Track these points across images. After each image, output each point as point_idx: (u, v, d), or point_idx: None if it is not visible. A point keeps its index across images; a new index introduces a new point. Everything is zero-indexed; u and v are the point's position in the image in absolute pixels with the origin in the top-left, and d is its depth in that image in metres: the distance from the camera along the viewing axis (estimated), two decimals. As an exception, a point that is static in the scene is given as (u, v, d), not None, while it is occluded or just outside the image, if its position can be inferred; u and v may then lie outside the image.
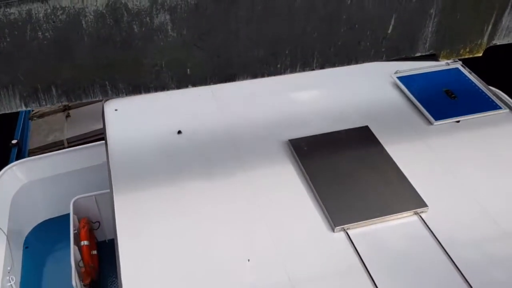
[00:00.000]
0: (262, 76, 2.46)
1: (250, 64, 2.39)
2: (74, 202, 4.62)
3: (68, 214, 4.54)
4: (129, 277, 2.81)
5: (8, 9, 1.93)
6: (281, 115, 3.95)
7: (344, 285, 2.78)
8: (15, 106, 2.23)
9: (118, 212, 3.17)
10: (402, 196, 3.20)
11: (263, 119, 3.92)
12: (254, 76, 2.45)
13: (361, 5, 2.35)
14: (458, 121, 3.85)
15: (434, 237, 3.02)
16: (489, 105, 4.01)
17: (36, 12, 1.97)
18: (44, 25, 2.01)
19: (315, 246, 2.97)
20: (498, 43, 2.76)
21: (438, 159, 3.55)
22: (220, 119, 3.86)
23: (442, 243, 2.97)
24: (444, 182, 3.38)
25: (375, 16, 2.41)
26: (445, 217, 3.13)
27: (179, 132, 3.77)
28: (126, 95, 2.36)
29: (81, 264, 4.40)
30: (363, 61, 2.60)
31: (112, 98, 2.35)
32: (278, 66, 2.45)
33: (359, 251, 2.93)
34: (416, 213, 3.14)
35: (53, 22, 2.01)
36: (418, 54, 2.66)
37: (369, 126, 3.74)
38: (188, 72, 2.34)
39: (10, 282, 4.23)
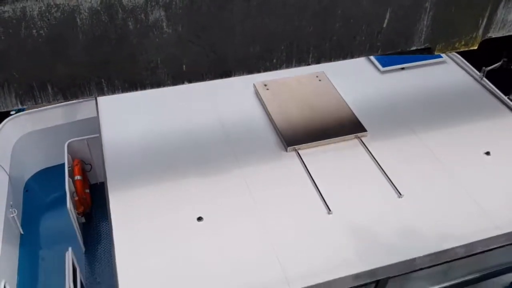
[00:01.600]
0: (258, 71, 2.46)
1: (246, 60, 2.39)
2: (68, 145, 5.19)
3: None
4: (118, 218, 3.19)
5: (2, 7, 1.92)
6: None
7: (295, 192, 3.39)
8: (11, 104, 2.22)
9: (107, 156, 3.64)
10: (346, 123, 3.87)
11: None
12: (250, 72, 2.45)
13: (356, 0, 2.35)
14: (403, 68, 4.62)
15: (371, 155, 3.65)
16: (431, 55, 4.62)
17: (31, 10, 1.96)
18: (39, 22, 2.00)
19: (271, 162, 3.61)
20: (494, 36, 2.76)
21: (381, 96, 4.26)
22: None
23: (377, 160, 3.61)
24: (385, 113, 4.07)
25: (370, 11, 2.41)
26: (381, 140, 3.78)
27: None
28: (122, 92, 2.35)
29: (75, 195, 4.94)
30: (359, 56, 2.61)
31: (108, 95, 2.34)
32: (274, 61, 2.45)
33: (307, 166, 3.55)
34: (357, 137, 3.80)
35: (48, 19, 2.00)
36: (413, 48, 2.66)
37: (324, 72, 4.39)
38: (184, 68, 2.34)
39: (13, 214, 4.83)
